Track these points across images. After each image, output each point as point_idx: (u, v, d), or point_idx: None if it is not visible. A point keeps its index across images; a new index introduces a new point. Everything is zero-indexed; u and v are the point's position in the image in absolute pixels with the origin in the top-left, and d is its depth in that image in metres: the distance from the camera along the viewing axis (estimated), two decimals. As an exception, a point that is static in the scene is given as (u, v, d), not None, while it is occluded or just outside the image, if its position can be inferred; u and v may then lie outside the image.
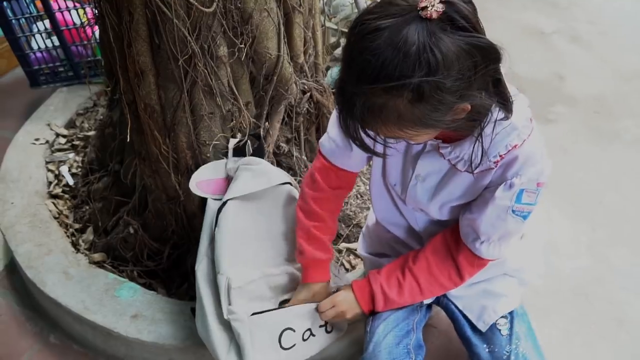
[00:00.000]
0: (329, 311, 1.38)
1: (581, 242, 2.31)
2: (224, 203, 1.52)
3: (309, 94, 1.94)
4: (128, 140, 1.68)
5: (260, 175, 1.59)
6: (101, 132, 2.14)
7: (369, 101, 0.84)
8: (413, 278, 1.29)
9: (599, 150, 2.82)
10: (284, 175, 1.65)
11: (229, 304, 1.39)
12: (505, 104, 0.95)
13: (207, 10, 1.42)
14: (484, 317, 1.36)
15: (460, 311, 1.41)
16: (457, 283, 1.28)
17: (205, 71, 1.53)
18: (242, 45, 1.56)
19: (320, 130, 2.15)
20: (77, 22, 2.69)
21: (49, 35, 2.82)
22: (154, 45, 1.50)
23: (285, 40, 1.70)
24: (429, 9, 0.78)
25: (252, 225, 1.55)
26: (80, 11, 2.64)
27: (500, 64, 0.87)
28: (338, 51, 2.61)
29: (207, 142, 1.66)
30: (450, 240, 1.27)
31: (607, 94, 3.28)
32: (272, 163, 1.88)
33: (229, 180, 1.63)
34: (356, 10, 2.54)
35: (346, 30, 2.50)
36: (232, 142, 1.70)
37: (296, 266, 1.55)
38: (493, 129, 0.99)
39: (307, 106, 1.97)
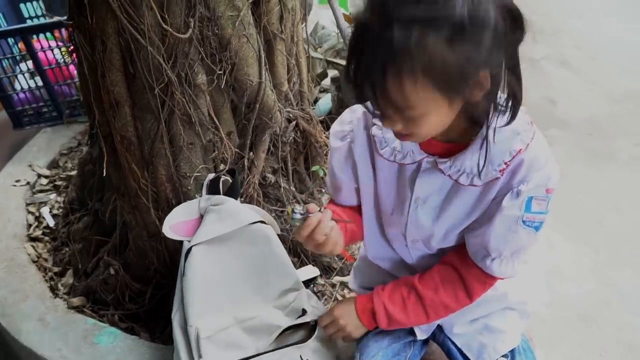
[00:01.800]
0: (329, 327, 1.27)
1: (585, 265, 2.22)
2: (189, 249, 1.43)
3: (294, 122, 1.88)
4: (104, 174, 1.60)
5: (227, 216, 1.48)
6: (81, 169, 2.07)
7: (401, 36, 0.75)
8: (418, 297, 1.18)
9: (595, 171, 2.77)
10: (254, 214, 1.53)
11: (200, 357, 1.29)
12: (516, 97, 0.89)
13: (182, 36, 1.37)
14: (484, 356, 1.25)
15: (459, 349, 1.30)
16: (464, 304, 1.17)
17: (183, 100, 1.47)
18: (222, 73, 1.50)
19: (309, 160, 2.09)
20: (61, 60, 2.66)
21: (33, 76, 2.78)
22: (128, 75, 1.45)
23: (267, 67, 1.65)
24: None
25: (222, 269, 1.45)
26: (64, 50, 2.61)
27: (522, 39, 0.82)
28: (326, 82, 2.57)
29: (188, 175, 1.58)
30: (459, 259, 1.15)
31: (600, 116, 3.25)
32: (258, 195, 1.80)
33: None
34: (342, 40, 2.51)
35: (332, 59, 2.48)
36: (208, 179, 1.61)
37: (275, 304, 1.45)
38: (494, 134, 0.93)
39: (293, 135, 1.91)
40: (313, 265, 1.97)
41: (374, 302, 1.22)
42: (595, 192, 2.62)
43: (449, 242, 1.15)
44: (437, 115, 0.87)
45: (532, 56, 3.78)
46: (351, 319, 1.24)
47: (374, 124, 1.13)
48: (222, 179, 1.59)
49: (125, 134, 1.52)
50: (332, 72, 2.49)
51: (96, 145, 1.91)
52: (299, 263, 1.96)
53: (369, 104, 0.90)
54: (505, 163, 0.98)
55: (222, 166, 1.65)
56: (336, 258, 2.03)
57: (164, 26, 1.33)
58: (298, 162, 2.04)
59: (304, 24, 1.98)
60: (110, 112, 1.50)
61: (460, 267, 1.15)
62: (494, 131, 0.93)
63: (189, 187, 1.59)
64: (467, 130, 0.99)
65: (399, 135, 0.95)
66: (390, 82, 0.80)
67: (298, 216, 1.07)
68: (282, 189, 1.89)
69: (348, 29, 2.44)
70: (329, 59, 2.43)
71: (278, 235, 1.51)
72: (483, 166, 0.97)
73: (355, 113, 1.18)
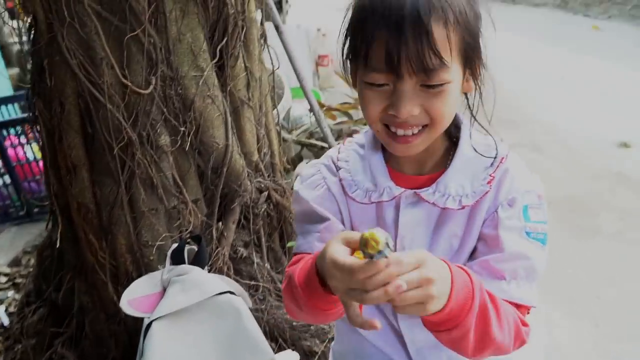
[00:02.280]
0: (413, 273, 0.78)
1: (585, 339, 2.09)
2: (149, 325, 1.28)
3: (266, 193, 1.81)
4: (58, 245, 1.48)
5: (192, 287, 1.34)
6: (40, 256, 1.93)
7: None
8: (493, 302, 0.87)
9: (583, 245, 2.73)
10: (222, 284, 1.39)
11: None
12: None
13: (143, 91, 1.33)
14: None
15: None
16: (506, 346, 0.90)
17: (145, 161, 1.40)
18: (186, 134, 1.46)
19: (285, 237, 1.99)
20: (30, 157, 2.62)
21: (1, 175, 2.72)
22: (87, 137, 1.39)
23: (234, 131, 1.61)
24: None
25: (186, 346, 1.28)
26: (35, 146, 2.58)
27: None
28: (302, 165, 2.54)
29: (150, 243, 1.47)
30: None
31: (580, 194, 3.26)
32: (229, 268, 1.67)
33: (166, 294, 1.40)
34: (315, 123, 2.53)
35: (307, 141, 2.47)
36: (172, 248, 1.50)
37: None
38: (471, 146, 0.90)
39: (265, 207, 1.82)
40: (292, 349, 1.80)
41: (472, 278, 0.86)
42: (585, 266, 2.56)
43: None
44: (453, 92, 0.85)
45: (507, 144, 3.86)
46: (441, 276, 0.80)
47: (340, 168, 1.05)
48: (187, 248, 1.47)
49: (82, 200, 1.43)
50: (307, 156, 2.47)
51: (55, 227, 1.80)
52: (277, 348, 1.79)
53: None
54: (491, 175, 0.91)
55: (200, 235, 1.54)
56: (318, 341, 1.86)
57: (124, 81, 1.30)
58: (273, 238, 1.94)
59: (275, 109, 1.99)
60: (67, 178, 1.42)
61: None
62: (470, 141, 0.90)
63: (151, 258, 1.47)
64: (443, 157, 0.95)
65: (407, 135, 0.88)
66: (435, 26, 0.80)
67: (388, 250, 0.68)
68: (255, 264, 1.77)
69: (320, 113, 2.46)
70: (303, 140, 2.43)
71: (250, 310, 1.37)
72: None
73: (316, 166, 1.09)
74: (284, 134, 2.37)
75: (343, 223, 1.06)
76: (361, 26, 0.84)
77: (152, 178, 1.43)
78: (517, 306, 0.91)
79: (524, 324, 0.91)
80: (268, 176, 1.86)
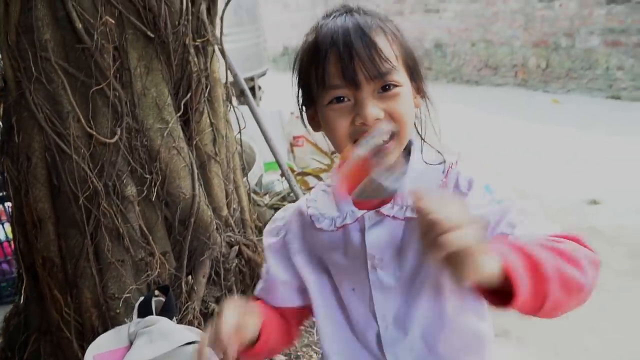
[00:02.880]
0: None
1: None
2: None
3: (237, 247, 1.81)
4: (22, 302, 1.45)
5: (159, 337, 1.31)
6: (7, 325, 1.87)
7: (367, 18, 0.92)
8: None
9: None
10: (190, 334, 1.36)
11: None
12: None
13: (108, 141, 1.38)
14: None
15: None
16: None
17: (111, 211, 1.42)
18: (151, 181, 1.49)
19: (259, 296, 1.96)
20: (2, 237, 2.59)
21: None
22: (53, 190, 1.42)
23: (201, 182, 1.65)
24: None
25: None
26: (7, 227, 2.57)
27: None
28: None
29: (117, 295, 1.45)
30: None
31: (556, 248, 3.29)
32: (200, 323, 1.64)
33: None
34: (288, 188, 2.58)
35: (280, 203, 2.51)
36: (139, 301, 1.47)
37: None
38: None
39: (237, 262, 1.82)
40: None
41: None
42: (568, 316, 2.53)
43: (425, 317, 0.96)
44: (407, 96, 0.93)
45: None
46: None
47: (309, 207, 1.10)
48: (154, 299, 1.45)
49: (47, 254, 1.42)
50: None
51: (23, 293, 1.77)
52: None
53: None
54: (443, 181, 0.95)
55: (167, 285, 1.52)
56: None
57: (90, 131, 1.35)
58: (247, 296, 1.91)
59: (245, 177, 2.05)
60: (32, 233, 1.43)
61: None
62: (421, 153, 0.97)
63: (118, 311, 1.44)
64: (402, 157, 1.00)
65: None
66: (378, 38, 0.89)
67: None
68: (228, 321, 1.73)
69: (291, 177, 2.52)
70: (276, 203, 2.47)
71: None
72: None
73: (287, 210, 1.14)
74: (257, 198, 2.41)
75: (297, 278, 1.07)
76: (313, 56, 0.92)
77: (118, 228, 1.44)
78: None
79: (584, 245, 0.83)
80: (239, 232, 1.87)
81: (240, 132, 1.97)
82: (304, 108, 1.02)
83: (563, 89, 7.09)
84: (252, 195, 2.34)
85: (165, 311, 1.43)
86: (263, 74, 4.90)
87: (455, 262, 0.67)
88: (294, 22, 10.85)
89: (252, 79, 4.57)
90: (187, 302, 1.61)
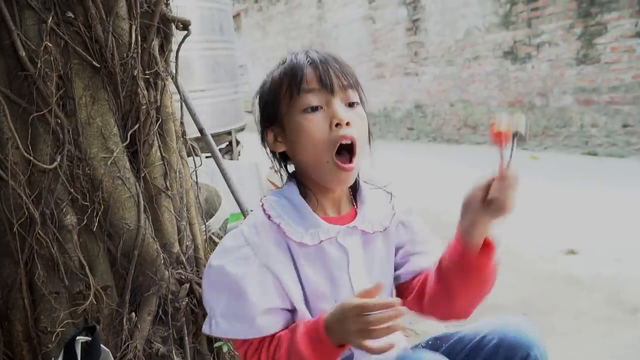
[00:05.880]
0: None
1: None
2: None
3: (187, 285, 1.75)
4: (-55, 337, 1.37)
5: None
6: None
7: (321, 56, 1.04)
8: None
9: (538, 341, 2.63)
10: None
11: None
12: None
13: (47, 167, 1.36)
14: None
15: None
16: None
17: (47, 240, 1.37)
18: (93, 211, 1.45)
19: (213, 339, 1.88)
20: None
21: None
22: (-12, 218, 1.38)
23: (148, 215, 1.61)
24: None
25: None
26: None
27: None
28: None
29: (49, 329, 1.38)
30: None
31: (532, 297, 3.23)
32: (142, 364, 1.55)
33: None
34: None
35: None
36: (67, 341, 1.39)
37: None
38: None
39: (188, 302, 1.75)
40: None
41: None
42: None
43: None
44: (365, 117, 1.07)
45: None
46: None
47: (270, 216, 1.07)
48: (78, 339, 1.35)
49: (-22, 285, 1.36)
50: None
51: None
52: None
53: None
54: (390, 201, 1.16)
55: (95, 324, 1.45)
56: None
57: (27, 156, 1.33)
58: (199, 339, 1.83)
59: (207, 222, 2.02)
60: (-37, 263, 1.37)
61: None
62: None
63: (49, 345, 1.37)
64: (349, 198, 1.14)
65: (350, 165, 1.03)
66: (341, 64, 1.04)
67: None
68: (175, 364, 1.65)
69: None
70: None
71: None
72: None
73: (237, 238, 1.05)
74: (218, 241, 2.36)
75: (282, 300, 1.02)
76: (286, 71, 1.04)
77: (54, 259, 1.39)
78: None
79: None
80: (191, 270, 1.81)
81: (195, 169, 1.95)
82: (266, 130, 1.09)
83: (540, 146, 7.22)
84: (213, 236, 2.30)
85: (89, 354, 1.34)
86: (241, 129, 4.96)
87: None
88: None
89: (229, 132, 4.62)
90: (128, 341, 1.53)
